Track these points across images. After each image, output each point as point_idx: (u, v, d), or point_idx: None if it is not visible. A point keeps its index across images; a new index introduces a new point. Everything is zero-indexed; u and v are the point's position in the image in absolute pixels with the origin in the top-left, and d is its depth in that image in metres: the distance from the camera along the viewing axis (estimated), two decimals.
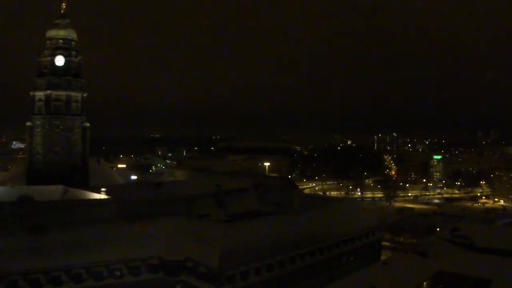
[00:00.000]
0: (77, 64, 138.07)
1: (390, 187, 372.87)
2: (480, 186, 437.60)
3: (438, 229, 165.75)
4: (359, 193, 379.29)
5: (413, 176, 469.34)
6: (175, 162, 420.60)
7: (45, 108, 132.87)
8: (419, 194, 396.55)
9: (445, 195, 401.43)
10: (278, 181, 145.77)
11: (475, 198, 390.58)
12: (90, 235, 77.77)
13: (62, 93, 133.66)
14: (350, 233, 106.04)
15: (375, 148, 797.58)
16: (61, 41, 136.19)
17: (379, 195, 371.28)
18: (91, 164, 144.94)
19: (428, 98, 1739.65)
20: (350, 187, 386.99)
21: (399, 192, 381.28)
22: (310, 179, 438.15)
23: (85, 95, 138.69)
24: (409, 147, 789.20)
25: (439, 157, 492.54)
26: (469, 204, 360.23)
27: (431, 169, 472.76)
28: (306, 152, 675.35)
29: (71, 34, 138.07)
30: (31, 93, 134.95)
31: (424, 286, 72.11)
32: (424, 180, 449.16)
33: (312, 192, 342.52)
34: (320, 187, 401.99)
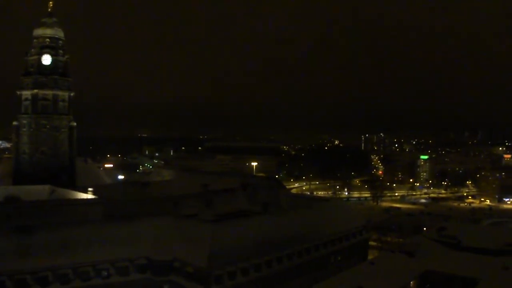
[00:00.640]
0: (64, 63, 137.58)
1: (377, 187, 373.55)
2: (467, 186, 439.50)
3: (425, 228, 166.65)
4: (346, 193, 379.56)
5: (400, 176, 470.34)
6: (163, 162, 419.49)
7: (31, 108, 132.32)
8: (406, 194, 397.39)
9: (431, 195, 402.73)
10: (266, 181, 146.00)
11: (461, 198, 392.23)
12: (77, 235, 77.44)
13: (49, 92, 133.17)
14: (337, 233, 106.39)
15: (362, 148, 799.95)
16: (48, 40, 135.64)
17: (366, 195, 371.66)
18: (78, 164, 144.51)
19: (415, 99, 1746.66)
20: (337, 187, 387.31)
21: (386, 192, 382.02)
22: (298, 179, 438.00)
23: (72, 94, 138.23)
24: (396, 147, 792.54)
25: (426, 157, 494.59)
26: (455, 204, 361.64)
27: (418, 169, 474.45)
28: (293, 152, 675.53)
29: (58, 33, 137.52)
30: (18, 92, 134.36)
31: (411, 285, 72.49)
32: (411, 180, 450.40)
33: (300, 192, 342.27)
34: (308, 187, 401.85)
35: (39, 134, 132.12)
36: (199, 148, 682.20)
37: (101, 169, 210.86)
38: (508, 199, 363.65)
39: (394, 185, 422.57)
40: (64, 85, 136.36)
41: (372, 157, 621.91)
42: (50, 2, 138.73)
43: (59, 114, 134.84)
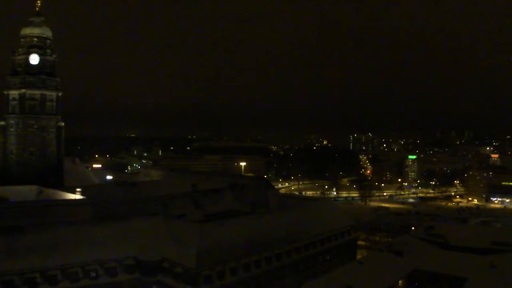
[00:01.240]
0: (52, 62, 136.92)
1: (365, 186, 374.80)
2: (454, 185, 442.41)
3: (413, 228, 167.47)
4: (335, 193, 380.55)
5: (388, 175, 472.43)
6: (151, 162, 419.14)
7: (19, 107, 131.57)
8: (394, 193, 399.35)
9: (420, 195, 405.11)
10: (254, 181, 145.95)
11: (449, 198, 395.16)
12: (65, 236, 77.09)
13: (37, 92, 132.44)
14: (326, 232, 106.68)
15: (351, 148, 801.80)
16: (35, 39, 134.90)
17: (355, 195, 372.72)
18: (66, 164, 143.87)
19: (403, 99, 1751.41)
20: (326, 186, 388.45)
21: (375, 191, 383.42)
22: (286, 179, 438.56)
23: (60, 94, 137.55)
24: (385, 147, 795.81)
25: (414, 157, 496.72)
26: (443, 203, 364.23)
27: (406, 169, 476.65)
28: (282, 152, 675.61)
29: (46, 32, 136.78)
30: (5, 92, 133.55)
31: (399, 284, 72.80)
32: (399, 180, 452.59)
33: (288, 192, 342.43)
34: (296, 186, 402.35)
35: (27, 134, 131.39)
36: (188, 148, 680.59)
37: (89, 169, 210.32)
38: (495, 199, 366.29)
39: (383, 184, 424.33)
40: (52, 85, 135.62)
41: (361, 157, 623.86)
42: (38, 1, 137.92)
43: (46, 114, 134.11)
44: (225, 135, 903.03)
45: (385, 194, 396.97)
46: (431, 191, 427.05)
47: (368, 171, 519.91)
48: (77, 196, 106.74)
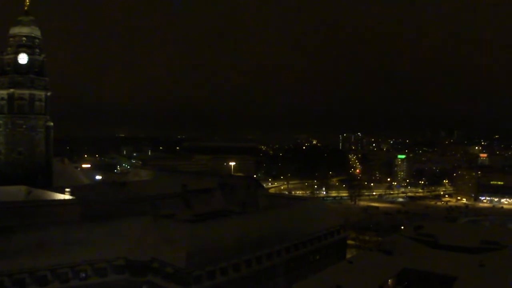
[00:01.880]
0: (40, 62, 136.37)
1: (355, 186, 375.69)
2: (443, 185, 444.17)
3: (402, 227, 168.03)
4: (324, 192, 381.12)
5: (377, 175, 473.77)
6: (140, 162, 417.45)
7: (7, 107, 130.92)
8: (383, 193, 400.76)
9: (409, 194, 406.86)
10: (244, 181, 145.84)
11: (438, 197, 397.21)
12: (54, 236, 76.73)
13: (25, 92, 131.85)
14: (315, 232, 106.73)
15: (340, 147, 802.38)
16: (24, 38, 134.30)
17: (344, 194, 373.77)
18: (55, 164, 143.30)
19: (392, 99, 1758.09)
20: (315, 186, 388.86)
21: (364, 191, 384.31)
22: (276, 178, 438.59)
23: (49, 94, 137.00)
24: (374, 147, 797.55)
25: (403, 156, 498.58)
26: (432, 202, 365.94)
27: (395, 168, 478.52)
28: (271, 152, 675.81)
29: (35, 31, 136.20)
30: None
31: (389, 283, 72.83)
32: (389, 179, 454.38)
33: (278, 192, 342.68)
34: (286, 186, 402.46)
35: (15, 134, 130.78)
36: (177, 148, 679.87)
37: (79, 169, 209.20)
38: (484, 198, 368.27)
39: (372, 184, 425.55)
40: (41, 84, 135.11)
41: (350, 156, 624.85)
42: (27, 1, 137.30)
43: (35, 114, 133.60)
44: (215, 135, 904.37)
45: (374, 193, 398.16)
46: (420, 190, 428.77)
47: (358, 171, 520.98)
48: (66, 196, 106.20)
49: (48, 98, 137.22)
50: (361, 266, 77.09)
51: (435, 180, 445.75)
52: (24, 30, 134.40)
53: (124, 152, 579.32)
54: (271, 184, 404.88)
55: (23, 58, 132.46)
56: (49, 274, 72.50)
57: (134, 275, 78.63)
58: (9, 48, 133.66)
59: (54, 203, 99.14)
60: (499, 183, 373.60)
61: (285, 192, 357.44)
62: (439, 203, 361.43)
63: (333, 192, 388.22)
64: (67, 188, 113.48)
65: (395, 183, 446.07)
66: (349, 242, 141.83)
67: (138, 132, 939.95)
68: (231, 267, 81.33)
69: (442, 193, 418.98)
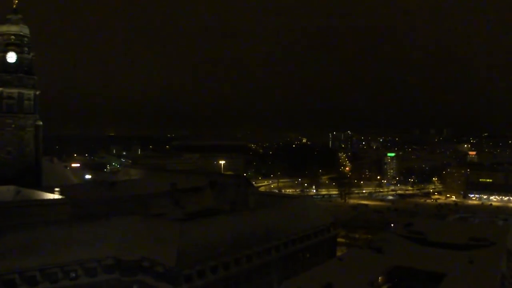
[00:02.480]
0: (29, 60, 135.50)
1: (345, 184, 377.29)
2: (433, 182, 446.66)
3: (392, 225, 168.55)
4: (314, 191, 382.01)
5: (367, 173, 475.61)
6: (130, 161, 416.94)
7: None
8: (373, 191, 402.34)
9: (398, 192, 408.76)
10: (234, 179, 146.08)
11: (428, 195, 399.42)
12: (44, 236, 76.39)
13: (14, 91, 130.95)
14: (305, 230, 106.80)
15: (330, 146, 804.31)
16: (13, 37, 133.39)
17: (334, 192, 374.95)
18: (44, 163, 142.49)
19: (382, 98, 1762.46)
20: (305, 184, 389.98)
21: (354, 189, 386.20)
22: (266, 177, 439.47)
23: (37, 92, 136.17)
24: (364, 145, 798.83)
25: (392, 154, 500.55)
26: (422, 200, 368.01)
27: (385, 166, 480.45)
28: (261, 150, 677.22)
29: (24, 29, 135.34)
30: None
31: (379, 281, 73.07)
32: (378, 177, 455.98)
33: (268, 190, 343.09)
34: (276, 184, 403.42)
35: (4, 134, 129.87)
36: (167, 146, 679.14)
37: (68, 168, 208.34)
38: (473, 195, 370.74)
39: (362, 182, 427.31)
40: (30, 83, 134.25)
41: (340, 154, 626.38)
42: None
43: (24, 113, 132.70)
44: (204, 133, 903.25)
45: (364, 191, 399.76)
46: (410, 188, 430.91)
47: (347, 169, 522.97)
48: (56, 196, 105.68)
49: (37, 97, 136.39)
50: (351, 263, 77.33)
51: (424, 178, 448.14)
52: (13, 29, 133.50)
53: (114, 151, 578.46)
54: (261, 182, 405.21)
55: (11, 57, 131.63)
56: (38, 275, 72.12)
57: (124, 275, 78.41)
58: None
59: (44, 203, 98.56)
60: (488, 180, 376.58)
61: (275, 190, 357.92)
62: (428, 201, 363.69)
63: (323, 190, 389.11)
64: (57, 187, 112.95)
65: (385, 181, 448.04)
66: (339, 240, 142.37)
67: (128, 131, 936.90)
68: (221, 266, 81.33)
69: (431, 190, 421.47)
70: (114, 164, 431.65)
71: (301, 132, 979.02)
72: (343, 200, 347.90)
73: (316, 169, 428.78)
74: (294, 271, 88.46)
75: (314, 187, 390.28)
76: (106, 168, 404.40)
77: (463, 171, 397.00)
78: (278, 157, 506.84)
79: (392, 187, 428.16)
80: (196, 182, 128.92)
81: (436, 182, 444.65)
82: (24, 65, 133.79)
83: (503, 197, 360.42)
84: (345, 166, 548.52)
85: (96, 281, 76.99)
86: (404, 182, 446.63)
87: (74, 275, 75.52)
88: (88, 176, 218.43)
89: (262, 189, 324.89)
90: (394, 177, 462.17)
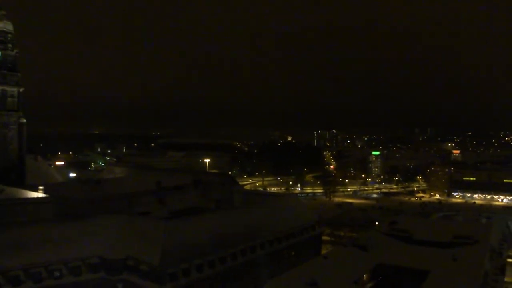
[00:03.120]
0: (13, 57, 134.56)
1: (329, 182, 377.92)
2: (417, 181, 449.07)
3: (377, 223, 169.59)
4: (299, 189, 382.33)
5: (352, 171, 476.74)
6: (115, 159, 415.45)
7: None
8: (358, 189, 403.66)
9: (383, 190, 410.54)
10: (219, 178, 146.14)
11: (412, 193, 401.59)
12: (27, 235, 75.89)
13: None
14: (290, 228, 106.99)
15: (315, 144, 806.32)
16: None
17: (319, 191, 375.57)
18: (28, 161, 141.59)
19: (367, 97, 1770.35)
20: (290, 182, 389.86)
21: (339, 187, 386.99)
22: (251, 175, 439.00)
23: (21, 90, 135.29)
24: (349, 143, 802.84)
25: (377, 153, 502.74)
26: (406, 198, 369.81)
27: (370, 165, 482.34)
28: (246, 149, 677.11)
29: (7, 26, 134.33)
30: None
31: (364, 278, 73.43)
32: (363, 176, 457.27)
33: (253, 188, 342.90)
34: (260, 183, 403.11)
35: None
36: (152, 144, 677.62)
37: (52, 167, 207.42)
38: (456, 193, 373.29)
39: (346, 180, 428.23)
40: (13, 80, 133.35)
41: (325, 153, 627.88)
42: None
43: (7, 111, 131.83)
44: (189, 131, 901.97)
45: (349, 189, 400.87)
46: (394, 186, 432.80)
47: (332, 167, 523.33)
48: (40, 195, 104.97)
49: (21, 94, 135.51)
50: (336, 261, 77.63)
51: (409, 176, 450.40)
52: None
53: (98, 149, 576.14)
54: (246, 180, 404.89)
55: None
56: (22, 274, 71.50)
57: (109, 274, 78.07)
58: None
59: (27, 202, 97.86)
60: (472, 179, 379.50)
61: (260, 188, 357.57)
62: (413, 199, 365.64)
63: (308, 188, 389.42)
64: (41, 186, 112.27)
65: (370, 179, 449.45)
66: (324, 238, 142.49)
67: (113, 129, 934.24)
68: (206, 264, 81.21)
69: (415, 189, 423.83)
70: (99, 162, 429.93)
71: (286, 130, 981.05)
72: (328, 198, 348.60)
73: (301, 167, 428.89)
74: (280, 269, 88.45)
75: (299, 185, 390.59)
76: (91, 166, 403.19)
77: (447, 170, 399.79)
78: (263, 156, 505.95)
79: (377, 186, 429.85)
80: (181, 180, 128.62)
81: (420, 180, 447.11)
82: (8, 61, 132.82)
83: (486, 195, 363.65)
84: (330, 164, 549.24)
85: (80, 281, 76.52)
86: (389, 180, 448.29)
87: (58, 274, 74.99)
88: (72, 175, 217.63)
89: (247, 187, 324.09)
90: (378, 176, 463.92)
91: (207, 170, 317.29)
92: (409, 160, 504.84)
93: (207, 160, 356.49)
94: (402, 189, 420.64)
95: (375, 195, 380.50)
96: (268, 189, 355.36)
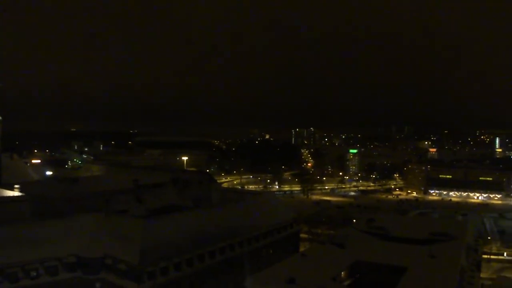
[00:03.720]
0: None
1: (307, 180, 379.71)
2: (394, 178, 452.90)
3: (354, 220, 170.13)
4: (277, 187, 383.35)
5: (329, 169, 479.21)
6: (92, 157, 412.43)
7: None
8: (335, 187, 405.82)
9: (360, 188, 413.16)
10: (197, 176, 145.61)
11: (389, 190, 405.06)
12: (3, 234, 74.92)
13: None
14: (268, 226, 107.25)
15: (293, 142, 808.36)
16: None
17: (297, 188, 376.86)
18: (3, 160, 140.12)
19: (344, 94, 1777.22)
20: (268, 180, 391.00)
21: (316, 185, 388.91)
22: (229, 173, 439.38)
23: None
24: (326, 141, 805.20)
25: (355, 151, 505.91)
26: (383, 196, 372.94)
27: (347, 163, 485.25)
28: (224, 147, 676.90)
29: None
30: None
31: (342, 275, 73.65)
32: (341, 173, 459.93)
33: (230, 186, 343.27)
34: (238, 181, 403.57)
35: None
36: (129, 142, 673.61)
37: (28, 165, 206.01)
38: (433, 191, 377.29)
39: (324, 178, 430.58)
40: None
41: (302, 151, 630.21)
42: None
43: None
44: (167, 129, 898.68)
45: (326, 187, 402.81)
46: (371, 184, 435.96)
47: (310, 165, 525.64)
48: (15, 193, 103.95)
49: None
50: (314, 259, 77.71)
51: (386, 174, 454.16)
52: None
53: (75, 147, 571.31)
54: (224, 178, 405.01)
55: None
56: None
57: (86, 273, 77.51)
58: None
59: (3, 200, 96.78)
60: (448, 176, 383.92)
61: (238, 186, 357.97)
62: (390, 197, 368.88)
63: (286, 186, 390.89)
64: (16, 184, 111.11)
65: (347, 177, 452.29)
66: (302, 235, 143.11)
67: (90, 126, 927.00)
68: (184, 263, 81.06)
69: (393, 186, 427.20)
70: (76, 160, 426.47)
71: (264, 128, 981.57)
72: (305, 196, 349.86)
73: (278, 165, 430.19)
74: (258, 267, 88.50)
75: (276, 183, 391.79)
76: (68, 164, 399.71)
77: (423, 168, 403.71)
78: (241, 154, 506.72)
79: (354, 183, 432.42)
80: (159, 178, 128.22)
81: (397, 178, 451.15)
82: None
83: (462, 192, 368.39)
84: (307, 162, 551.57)
85: (57, 280, 75.86)
86: (366, 178, 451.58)
87: (34, 274, 74.26)
88: (49, 173, 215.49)
89: (225, 185, 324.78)
90: (356, 173, 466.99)
91: (185, 168, 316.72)
92: (386, 158, 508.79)
93: (184, 158, 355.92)
94: (379, 187, 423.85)
95: (352, 193, 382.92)
96: (245, 187, 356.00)
